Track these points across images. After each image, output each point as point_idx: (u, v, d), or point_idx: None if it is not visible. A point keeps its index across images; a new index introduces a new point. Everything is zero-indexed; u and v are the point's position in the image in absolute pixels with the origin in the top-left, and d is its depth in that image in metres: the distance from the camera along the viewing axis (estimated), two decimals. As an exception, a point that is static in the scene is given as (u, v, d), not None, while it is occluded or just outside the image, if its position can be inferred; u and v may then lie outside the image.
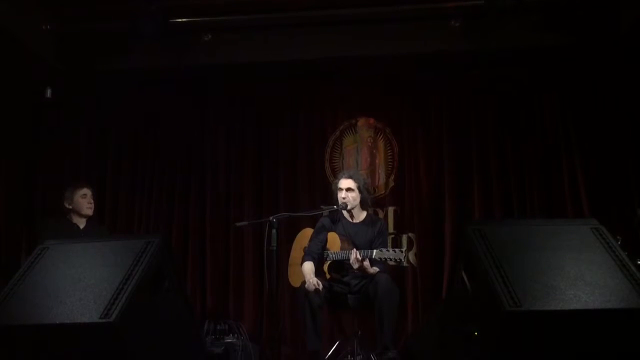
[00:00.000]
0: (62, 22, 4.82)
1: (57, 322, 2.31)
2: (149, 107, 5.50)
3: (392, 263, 3.75)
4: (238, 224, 4.15)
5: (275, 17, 4.84)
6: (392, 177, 5.31)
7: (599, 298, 2.25)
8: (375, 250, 3.80)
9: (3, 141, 4.88)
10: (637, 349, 2.24)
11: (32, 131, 5.24)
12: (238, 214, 5.24)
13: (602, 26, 4.67)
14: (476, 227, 2.61)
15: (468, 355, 2.55)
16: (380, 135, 5.39)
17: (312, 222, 4.43)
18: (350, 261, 3.86)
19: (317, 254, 4.07)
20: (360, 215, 4.20)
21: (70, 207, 4.35)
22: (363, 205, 4.17)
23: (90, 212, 4.39)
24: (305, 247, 4.20)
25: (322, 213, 4.31)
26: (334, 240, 4.09)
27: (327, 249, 4.10)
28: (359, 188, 4.11)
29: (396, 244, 5.07)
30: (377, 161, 5.36)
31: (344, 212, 4.16)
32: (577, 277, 2.34)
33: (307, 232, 4.32)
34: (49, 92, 5.07)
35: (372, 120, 5.42)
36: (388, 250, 3.76)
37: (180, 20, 4.80)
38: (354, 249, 3.89)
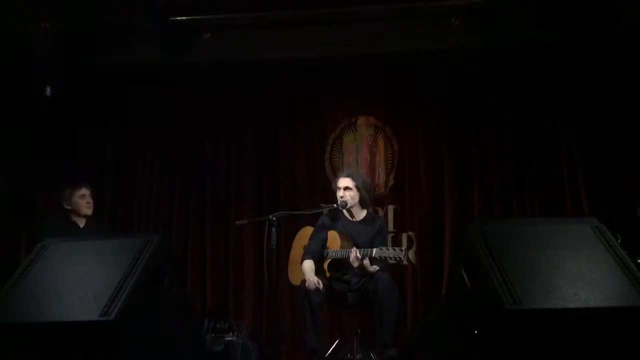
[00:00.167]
0: (61, 20, 4.82)
1: (57, 320, 2.31)
2: (148, 106, 5.49)
3: (392, 261, 3.75)
4: (238, 222, 4.16)
5: (275, 16, 4.84)
6: (392, 175, 5.31)
7: (599, 296, 2.25)
8: (375, 249, 3.80)
9: (2, 140, 4.88)
10: (637, 347, 2.23)
11: (32, 129, 5.23)
12: (238, 212, 5.24)
13: (602, 24, 4.67)
14: (476, 226, 2.61)
15: (468, 354, 2.55)
16: (380, 134, 5.39)
17: (312, 221, 4.43)
18: (350, 260, 3.86)
19: (317, 253, 4.07)
20: (360, 214, 4.20)
21: (69, 207, 4.35)
22: (363, 203, 4.17)
23: (89, 211, 4.39)
24: (305, 246, 4.20)
25: (321, 211, 4.31)
26: (334, 238, 4.09)
27: (327, 248, 4.09)
28: (357, 187, 4.11)
29: (396, 243, 5.07)
30: (377, 160, 5.35)
31: (344, 211, 4.16)
32: (577, 275, 2.34)
33: (307, 231, 4.32)
34: (48, 90, 5.06)
35: (372, 119, 5.42)
36: (388, 249, 3.76)
37: (180, 18, 4.79)
38: (354, 248, 3.89)
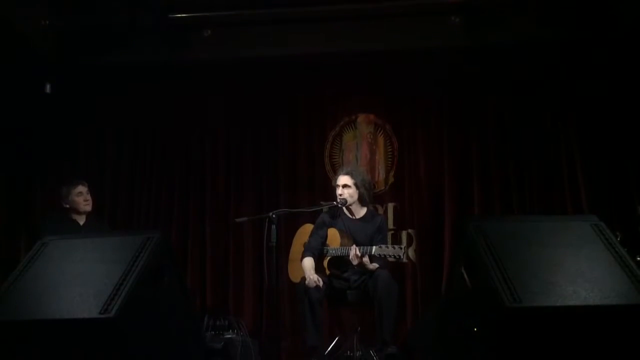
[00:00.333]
0: (61, 17, 4.81)
1: (57, 317, 2.31)
2: (148, 103, 5.48)
3: (391, 259, 3.76)
4: (238, 219, 4.15)
5: (275, 13, 4.84)
6: (392, 173, 5.31)
7: (599, 294, 2.25)
8: (374, 247, 3.80)
9: (2, 138, 4.87)
10: (637, 345, 2.24)
11: (31, 127, 5.23)
12: (238, 209, 5.24)
13: (603, 22, 4.66)
14: (476, 224, 2.61)
15: (468, 351, 2.55)
16: (380, 131, 5.38)
17: (312, 218, 4.43)
18: (350, 257, 3.87)
19: (317, 250, 4.07)
20: (360, 212, 4.20)
21: (68, 205, 4.35)
22: (362, 201, 4.17)
23: (88, 208, 4.39)
24: (305, 243, 4.21)
25: (321, 209, 4.31)
26: (334, 236, 4.09)
27: (327, 245, 4.10)
28: (356, 184, 4.11)
29: (396, 240, 5.07)
30: (376, 157, 5.35)
31: (344, 209, 4.16)
32: (577, 273, 2.34)
33: (308, 228, 4.32)
34: (48, 88, 5.06)
35: (372, 116, 5.42)
36: (387, 247, 3.77)
37: (179, 15, 4.79)
38: (354, 245, 3.89)
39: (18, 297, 2.46)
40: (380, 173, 5.32)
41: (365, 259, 3.85)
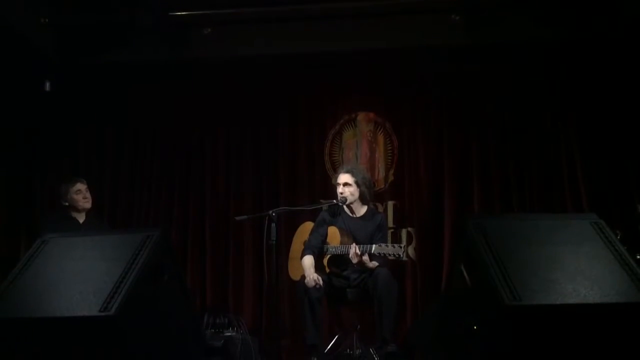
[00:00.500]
0: (60, 15, 4.80)
1: (57, 315, 2.31)
2: (148, 103, 5.48)
3: (391, 258, 3.75)
4: (238, 218, 4.15)
5: (275, 11, 4.83)
6: (392, 171, 5.31)
7: (598, 292, 2.25)
8: (374, 246, 3.80)
9: (1, 136, 4.87)
10: (636, 343, 2.24)
11: (31, 126, 5.22)
12: (238, 207, 5.24)
13: (603, 22, 4.65)
14: (476, 222, 2.61)
15: (467, 350, 2.56)
16: (380, 130, 5.38)
17: (312, 216, 4.43)
18: (350, 256, 3.87)
19: (317, 248, 4.08)
20: (361, 210, 4.20)
21: (67, 203, 4.35)
22: (363, 199, 4.17)
23: (87, 205, 4.40)
24: (305, 241, 4.21)
25: (321, 207, 4.31)
26: (334, 234, 4.09)
27: (327, 243, 4.10)
28: (357, 182, 4.11)
29: (396, 238, 5.07)
30: (376, 155, 5.35)
31: (345, 207, 4.16)
32: (577, 271, 2.34)
33: (308, 226, 4.32)
34: (47, 86, 5.05)
35: (371, 115, 5.41)
36: (387, 246, 3.76)
37: (179, 13, 4.78)
38: (354, 244, 3.89)
39: (18, 295, 2.46)
40: (380, 171, 5.32)
41: (365, 257, 3.85)
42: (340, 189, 4.10)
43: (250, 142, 5.41)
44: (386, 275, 3.82)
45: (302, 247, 4.19)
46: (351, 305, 4.22)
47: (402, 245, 3.75)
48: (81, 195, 4.36)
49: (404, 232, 5.18)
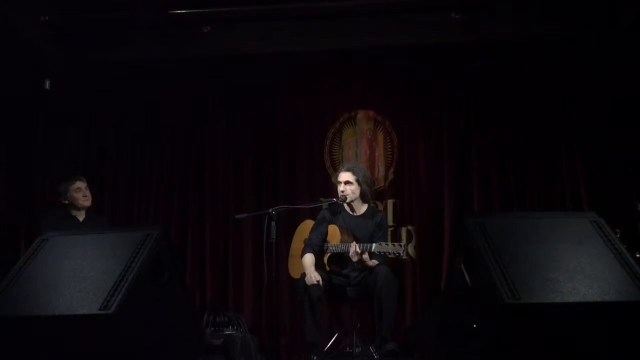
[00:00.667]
0: (60, 13, 4.79)
1: (57, 313, 2.31)
2: (148, 100, 5.48)
3: (391, 256, 3.75)
4: (237, 216, 4.15)
5: (275, 9, 4.82)
6: (392, 169, 5.31)
7: (598, 291, 2.25)
8: (374, 244, 3.80)
9: (1, 136, 4.87)
10: (635, 342, 2.24)
11: (30, 124, 5.22)
12: (237, 206, 5.24)
13: (604, 19, 4.65)
14: (475, 220, 2.61)
15: (467, 348, 2.56)
16: (379, 128, 5.38)
17: (312, 215, 4.43)
18: (350, 254, 3.87)
19: (317, 246, 4.08)
20: (361, 208, 4.20)
21: (67, 202, 4.35)
22: (364, 198, 4.17)
23: (87, 203, 4.39)
24: (305, 239, 4.21)
25: (321, 206, 4.31)
26: (334, 232, 4.09)
27: (327, 242, 4.10)
28: (358, 181, 4.10)
29: (395, 237, 5.08)
30: (376, 154, 5.35)
31: (345, 205, 4.16)
32: (576, 269, 2.34)
33: (308, 224, 4.33)
34: (47, 84, 5.05)
35: (371, 113, 5.42)
36: (387, 244, 3.76)
37: (179, 11, 4.78)
38: (354, 242, 3.89)
39: (18, 293, 2.45)
40: (380, 170, 5.32)
41: (365, 256, 3.85)
42: (341, 187, 4.10)
43: (250, 141, 5.41)
44: (386, 274, 3.82)
45: (302, 245, 4.19)
46: (351, 304, 4.22)
47: (402, 244, 3.75)
48: (81, 193, 4.36)
49: (403, 231, 5.19)
